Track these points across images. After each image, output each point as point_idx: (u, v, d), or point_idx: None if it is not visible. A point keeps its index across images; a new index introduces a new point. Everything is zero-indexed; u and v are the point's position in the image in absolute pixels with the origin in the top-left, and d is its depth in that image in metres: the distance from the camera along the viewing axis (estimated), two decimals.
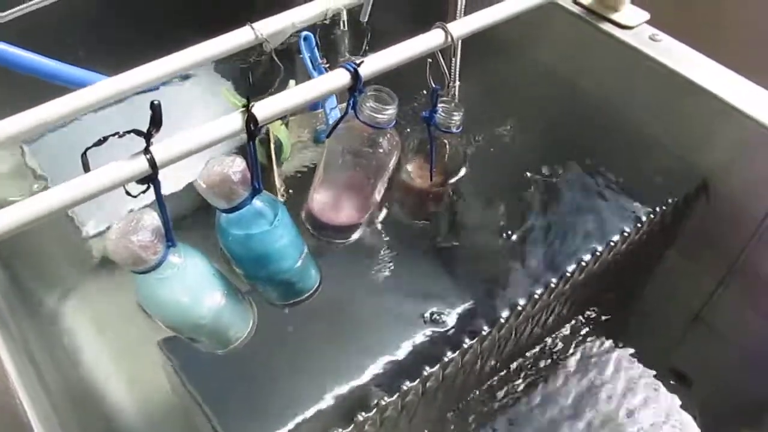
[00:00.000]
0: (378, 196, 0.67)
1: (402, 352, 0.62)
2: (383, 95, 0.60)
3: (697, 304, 0.82)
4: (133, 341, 0.78)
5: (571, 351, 0.84)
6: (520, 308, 0.64)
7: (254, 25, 0.61)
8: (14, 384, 0.60)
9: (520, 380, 0.81)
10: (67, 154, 0.88)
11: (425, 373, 0.58)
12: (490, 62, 0.88)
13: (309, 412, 0.59)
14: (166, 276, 0.54)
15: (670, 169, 0.77)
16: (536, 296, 0.65)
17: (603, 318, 0.87)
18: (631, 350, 0.86)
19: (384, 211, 0.71)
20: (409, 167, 0.74)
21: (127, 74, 0.56)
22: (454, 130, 0.71)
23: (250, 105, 0.51)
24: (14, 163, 0.93)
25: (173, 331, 0.60)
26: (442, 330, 0.63)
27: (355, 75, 0.56)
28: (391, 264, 0.69)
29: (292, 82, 0.69)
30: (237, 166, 0.57)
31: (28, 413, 0.57)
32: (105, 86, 0.54)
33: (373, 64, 0.57)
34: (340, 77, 0.56)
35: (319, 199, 0.68)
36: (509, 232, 0.72)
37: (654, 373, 0.84)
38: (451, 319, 0.64)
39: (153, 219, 0.53)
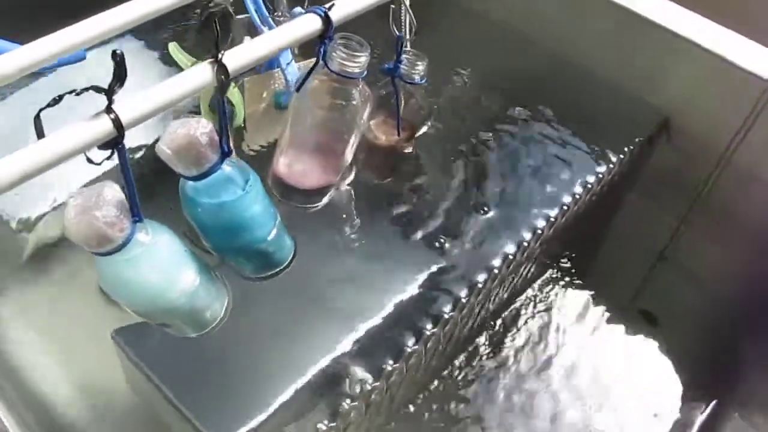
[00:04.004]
0: (350, 156, 0.63)
1: (384, 320, 0.58)
2: (353, 43, 0.56)
3: (661, 243, 0.83)
4: (81, 339, 0.71)
5: (538, 301, 0.84)
6: (496, 271, 0.62)
7: None
8: None
9: (490, 341, 0.79)
10: None
11: (408, 350, 0.55)
12: (435, 15, 0.85)
13: (290, 391, 0.55)
14: (133, 256, 0.48)
15: (630, 111, 0.77)
16: (510, 256, 0.63)
17: (568, 264, 0.87)
18: (597, 293, 0.86)
19: (353, 172, 0.67)
20: (372, 124, 0.70)
21: (53, 37, 0.49)
22: (418, 80, 0.68)
23: (220, 54, 0.46)
24: None
25: (144, 317, 0.54)
26: (421, 296, 0.60)
27: (326, 20, 0.52)
28: (363, 228, 0.65)
29: (247, 38, 0.63)
30: (203, 127, 0.51)
31: None
32: (24, 54, 0.46)
33: (344, 7, 0.53)
34: (310, 23, 0.51)
35: (287, 162, 0.63)
36: (476, 190, 0.69)
37: (620, 314, 0.85)
38: (428, 283, 0.61)
39: (116, 192, 0.47)
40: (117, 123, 0.42)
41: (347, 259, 0.64)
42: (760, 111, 0.69)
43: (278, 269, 0.60)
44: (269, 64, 0.68)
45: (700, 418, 0.73)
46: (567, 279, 0.87)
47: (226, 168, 0.53)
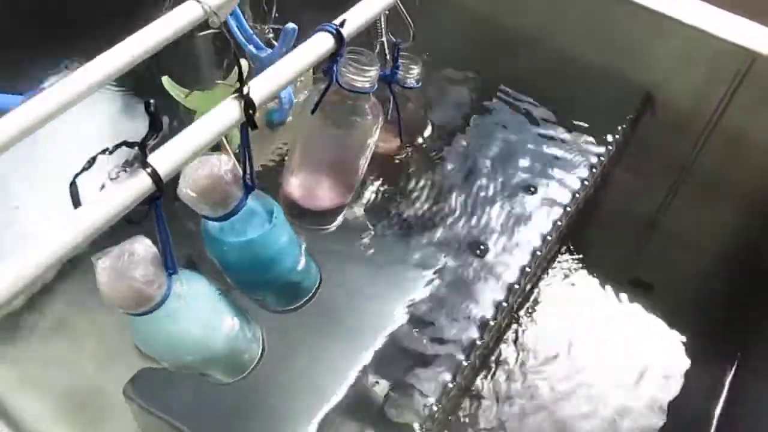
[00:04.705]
0: (362, 172, 0.61)
1: (430, 336, 0.56)
2: (362, 57, 0.54)
3: (651, 212, 0.85)
4: (82, 393, 0.67)
5: (546, 285, 0.84)
6: (528, 269, 0.61)
7: None
8: None
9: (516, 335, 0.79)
10: None
11: (463, 364, 0.53)
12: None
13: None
14: (173, 310, 0.45)
15: (615, 89, 0.78)
16: (538, 252, 0.63)
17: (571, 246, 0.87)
18: (593, 268, 0.87)
19: (370, 187, 0.65)
20: None
21: (65, 83, 0.44)
22: (414, 84, 0.67)
23: (246, 87, 0.43)
24: None
25: (183, 370, 0.52)
26: (463, 305, 0.58)
27: (339, 37, 0.49)
28: (384, 241, 0.63)
29: (244, 62, 0.60)
30: (225, 163, 0.48)
31: None
32: (45, 100, 0.42)
33: (354, 21, 0.50)
34: (323, 42, 0.49)
35: (298, 183, 0.60)
36: (485, 188, 0.68)
37: (616, 284, 0.86)
38: (466, 291, 0.59)
39: (147, 246, 0.44)
40: (155, 177, 0.38)
41: (374, 276, 0.61)
42: (741, 79, 0.71)
43: (307, 298, 0.58)
44: None
45: (727, 380, 0.76)
46: (568, 260, 0.87)
47: (250, 201, 0.51)
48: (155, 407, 0.58)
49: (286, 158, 0.61)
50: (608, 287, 0.86)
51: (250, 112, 0.44)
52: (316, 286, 0.58)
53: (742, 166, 0.77)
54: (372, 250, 0.62)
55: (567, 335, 0.81)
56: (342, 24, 0.49)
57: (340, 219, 0.63)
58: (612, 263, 0.87)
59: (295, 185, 0.60)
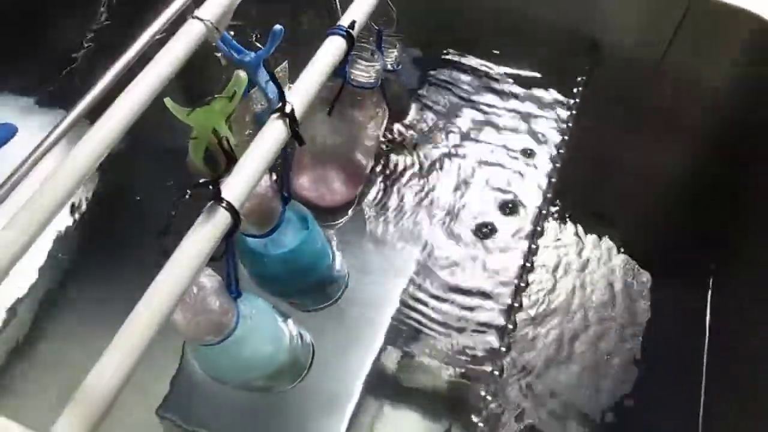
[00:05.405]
0: (370, 165, 0.62)
1: (468, 326, 0.59)
2: (365, 53, 0.55)
3: (609, 151, 0.91)
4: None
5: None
6: (539, 228, 0.65)
7: (197, 14, 0.50)
8: None
9: None
10: None
11: (508, 327, 0.57)
12: None
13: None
14: (243, 332, 0.46)
15: (568, 43, 0.81)
16: (544, 212, 0.67)
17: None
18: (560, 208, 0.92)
19: (372, 176, 0.66)
20: None
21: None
22: (395, 67, 0.68)
23: (288, 107, 0.43)
24: None
25: (246, 387, 0.52)
26: (488, 286, 0.61)
27: (350, 38, 0.50)
28: (392, 228, 0.65)
29: (241, 73, 0.58)
30: (265, 180, 0.48)
31: None
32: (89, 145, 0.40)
33: (359, 20, 0.51)
34: (337, 45, 0.49)
35: (309, 181, 0.61)
36: (478, 158, 0.70)
37: (583, 220, 0.91)
38: (482, 271, 0.63)
39: (213, 276, 0.44)
40: (232, 210, 0.39)
41: (393, 259, 0.63)
42: (682, 20, 0.76)
43: (341, 292, 0.60)
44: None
45: (708, 296, 0.83)
46: None
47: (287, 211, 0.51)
48: (195, 424, 0.58)
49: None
50: (575, 225, 0.92)
51: (296, 128, 0.44)
52: (347, 278, 0.60)
53: (690, 103, 0.83)
54: (385, 236, 0.64)
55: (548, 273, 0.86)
56: (351, 25, 0.50)
57: (350, 212, 0.64)
58: (578, 202, 0.93)
59: (305, 185, 0.61)
